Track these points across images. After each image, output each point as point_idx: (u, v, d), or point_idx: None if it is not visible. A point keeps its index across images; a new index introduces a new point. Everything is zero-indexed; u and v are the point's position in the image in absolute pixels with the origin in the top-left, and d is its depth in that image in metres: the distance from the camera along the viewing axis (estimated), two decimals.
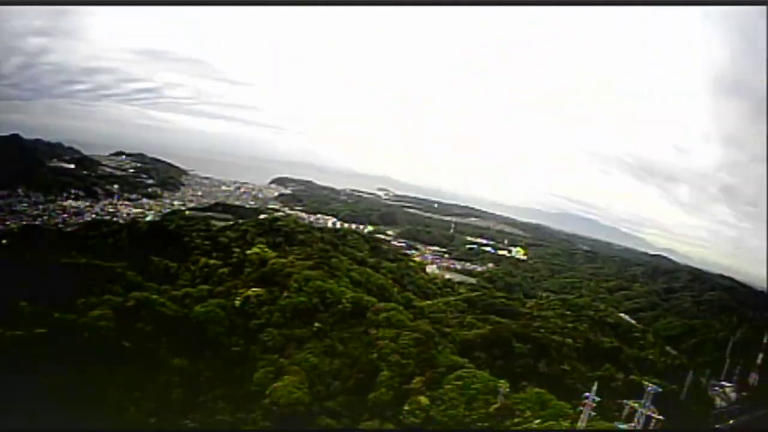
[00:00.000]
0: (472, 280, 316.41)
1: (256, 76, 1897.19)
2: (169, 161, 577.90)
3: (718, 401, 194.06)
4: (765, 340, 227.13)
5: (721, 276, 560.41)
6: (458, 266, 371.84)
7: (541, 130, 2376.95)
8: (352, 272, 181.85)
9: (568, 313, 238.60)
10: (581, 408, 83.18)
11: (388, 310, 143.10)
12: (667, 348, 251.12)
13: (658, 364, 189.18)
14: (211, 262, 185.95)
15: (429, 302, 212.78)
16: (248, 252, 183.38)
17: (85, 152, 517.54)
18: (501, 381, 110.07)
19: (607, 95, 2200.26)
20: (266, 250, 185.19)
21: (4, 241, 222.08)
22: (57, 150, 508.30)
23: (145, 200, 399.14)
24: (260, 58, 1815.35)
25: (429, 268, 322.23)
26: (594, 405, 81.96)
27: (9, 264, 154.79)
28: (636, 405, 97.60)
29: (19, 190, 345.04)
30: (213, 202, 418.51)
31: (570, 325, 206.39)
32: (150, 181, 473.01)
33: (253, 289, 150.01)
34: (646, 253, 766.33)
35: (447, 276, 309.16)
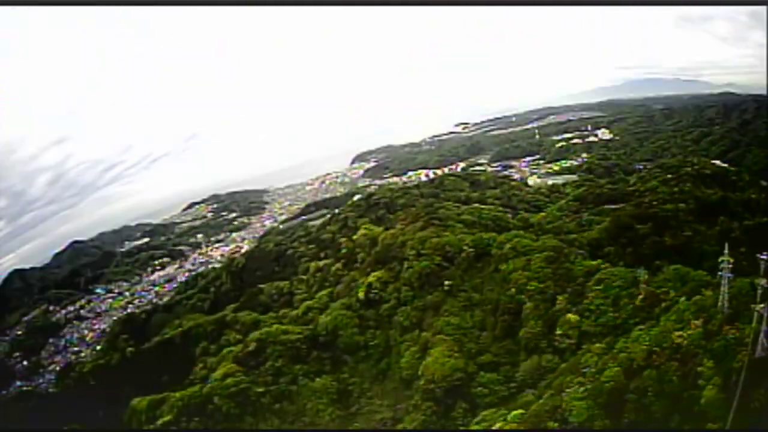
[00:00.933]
0: (574, 177, 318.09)
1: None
2: (243, 189, 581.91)
3: None
4: None
5: None
6: (556, 168, 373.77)
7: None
8: (462, 215, 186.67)
9: (669, 176, 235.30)
10: (720, 273, 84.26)
11: (510, 239, 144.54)
12: (762, 182, 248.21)
13: (761, 203, 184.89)
14: (322, 263, 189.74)
15: (543, 214, 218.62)
16: (355, 237, 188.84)
17: (156, 221, 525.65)
18: (638, 270, 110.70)
19: None
20: (372, 228, 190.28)
21: (98, 347, 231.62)
22: (125, 233, 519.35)
23: (234, 234, 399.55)
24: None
25: (531, 181, 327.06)
26: (730, 267, 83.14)
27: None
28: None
29: (98, 290, 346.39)
30: (304, 205, 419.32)
31: (676, 189, 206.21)
32: (233, 215, 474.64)
33: (373, 274, 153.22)
34: (712, 94, 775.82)
35: (549, 182, 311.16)
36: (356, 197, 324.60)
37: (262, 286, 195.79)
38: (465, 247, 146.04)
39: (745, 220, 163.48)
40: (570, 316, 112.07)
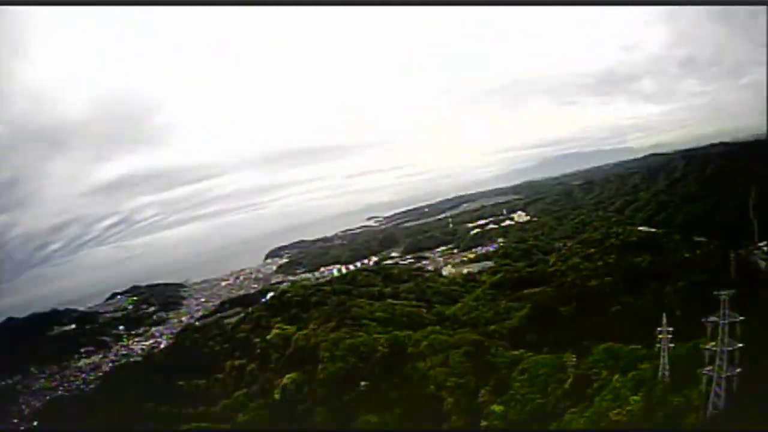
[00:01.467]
0: (490, 263, 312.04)
1: (215, 167, 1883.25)
2: (162, 282, 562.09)
3: (762, 265, 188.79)
4: None
5: (712, 145, 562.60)
6: (471, 256, 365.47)
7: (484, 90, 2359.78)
8: (376, 312, 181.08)
9: (592, 251, 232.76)
10: (658, 345, 79.46)
11: (426, 336, 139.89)
12: (696, 238, 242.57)
13: (695, 258, 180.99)
14: (237, 362, 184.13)
15: (459, 305, 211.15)
16: (268, 337, 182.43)
17: (82, 308, 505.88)
18: (565, 355, 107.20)
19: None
20: (285, 327, 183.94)
21: (35, 423, 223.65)
22: (54, 317, 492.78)
23: (154, 329, 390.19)
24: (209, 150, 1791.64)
25: (445, 271, 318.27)
26: (669, 335, 78.38)
27: None
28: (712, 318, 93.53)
29: (32, 369, 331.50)
30: (219, 302, 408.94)
31: (600, 263, 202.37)
32: (152, 309, 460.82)
33: (288, 375, 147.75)
34: (636, 159, 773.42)
35: (464, 271, 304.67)
36: (269, 295, 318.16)
37: (180, 383, 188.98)
38: (380, 347, 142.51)
39: (680, 281, 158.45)
40: (495, 407, 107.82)
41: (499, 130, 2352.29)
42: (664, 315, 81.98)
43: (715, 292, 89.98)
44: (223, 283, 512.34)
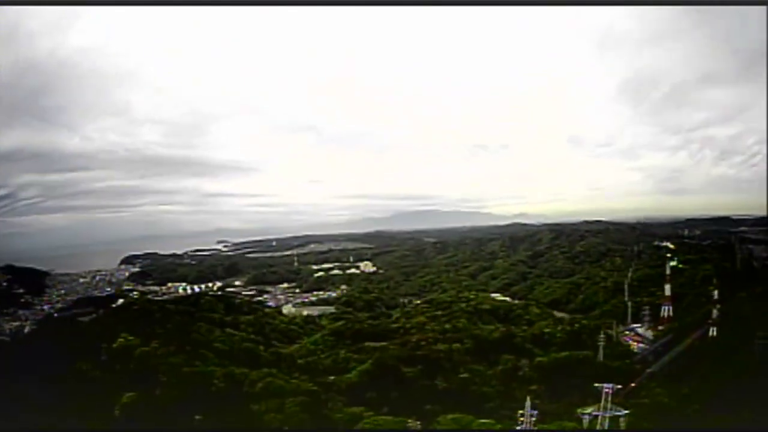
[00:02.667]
0: (331, 309, 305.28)
1: (91, 159, 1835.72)
2: (34, 266, 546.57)
3: (634, 346, 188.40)
4: (667, 272, 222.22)
5: (586, 222, 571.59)
6: (313, 298, 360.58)
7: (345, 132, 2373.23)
8: (215, 342, 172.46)
9: (439, 312, 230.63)
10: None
11: (262, 377, 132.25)
12: (557, 313, 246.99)
13: (557, 335, 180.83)
14: (84, 367, 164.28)
15: (297, 346, 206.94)
16: (114, 345, 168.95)
17: None
18: (409, 420, 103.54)
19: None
20: (129, 338, 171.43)
21: None
22: None
23: (21, 311, 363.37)
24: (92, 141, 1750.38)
25: (285, 309, 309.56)
26: (533, 420, 71.27)
27: None
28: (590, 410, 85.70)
29: None
30: (76, 298, 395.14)
31: (447, 326, 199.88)
32: (21, 291, 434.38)
33: (128, 394, 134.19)
34: (497, 225, 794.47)
35: (305, 312, 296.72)
36: (120, 301, 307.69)
37: (33, 376, 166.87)
38: (216, 381, 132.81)
39: (538, 357, 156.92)
40: None
41: (360, 176, 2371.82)
42: (528, 399, 76.61)
43: (596, 384, 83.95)
44: (81, 280, 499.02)
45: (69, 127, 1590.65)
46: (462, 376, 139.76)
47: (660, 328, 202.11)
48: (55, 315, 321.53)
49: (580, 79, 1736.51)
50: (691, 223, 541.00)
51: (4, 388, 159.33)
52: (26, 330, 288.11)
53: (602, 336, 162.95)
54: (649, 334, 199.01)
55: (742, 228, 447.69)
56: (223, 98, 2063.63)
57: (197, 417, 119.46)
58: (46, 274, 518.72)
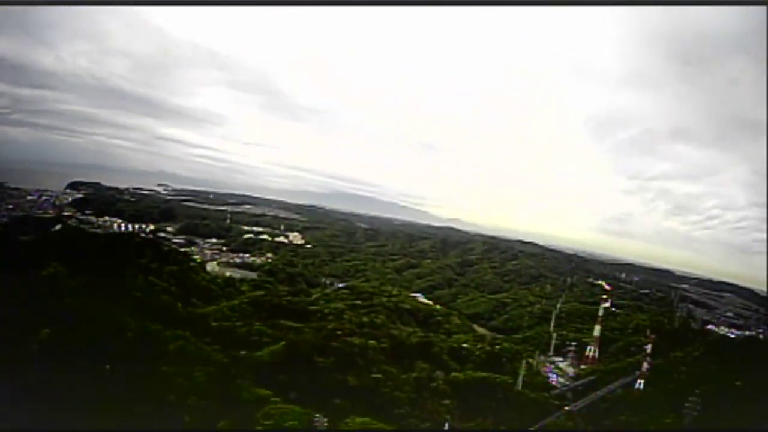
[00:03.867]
0: (253, 275, 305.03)
1: (61, 80, 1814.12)
2: None
3: (553, 380, 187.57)
4: (600, 313, 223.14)
5: (521, 242, 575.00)
6: (237, 260, 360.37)
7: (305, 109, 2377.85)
8: (135, 290, 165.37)
9: (359, 302, 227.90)
10: None
11: (175, 340, 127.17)
12: (477, 328, 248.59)
13: (476, 353, 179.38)
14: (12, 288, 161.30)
15: (214, 307, 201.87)
16: (44, 273, 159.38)
17: None
18: (317, 414, 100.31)
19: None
20: (59, 267, 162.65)
21: None
22: None
23: None
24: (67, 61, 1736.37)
25: (209, 266, 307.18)
26: None
27: None
28: None
29: None
30: (21, 214, 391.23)
31: (365, 319, 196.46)
32: None
33: (45, 330, 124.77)
34: (431, 226, 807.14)
35: (227, 273, 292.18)
36: (57, 226, 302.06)
37: None
38: (129, 333, 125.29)
39: (453, 372, 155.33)
40: None
41: (308, 148, 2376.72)
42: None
43: None
44: (29, 197, 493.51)
45: (46, 44, 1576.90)
46: (374, 376, 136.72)
47: (582, 367, 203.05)
48: None
49: (550, 99, 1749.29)
50: (630, 268, 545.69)
51: None
52: None
53: (523, 364, 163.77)
54: (571, 370, 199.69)
55: (684, 285, 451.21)
56: (196, 47, 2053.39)
57: (107, 366, 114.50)
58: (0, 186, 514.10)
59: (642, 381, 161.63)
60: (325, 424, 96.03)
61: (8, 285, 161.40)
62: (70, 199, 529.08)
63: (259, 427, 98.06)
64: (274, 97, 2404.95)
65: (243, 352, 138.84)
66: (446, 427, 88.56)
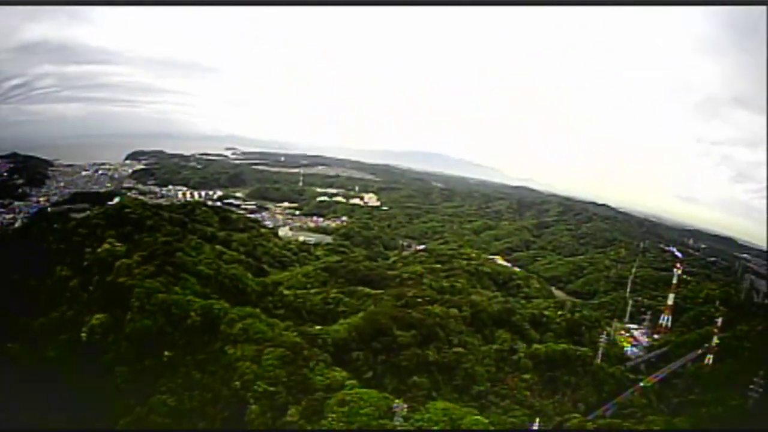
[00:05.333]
0: (329, 239, 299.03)
1: (113, 55, 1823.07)
2: (38, 156, 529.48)
3: (627, 347, 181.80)
4: (674, 281, 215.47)
5: (594, 204, 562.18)
6: (311, 224, 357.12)
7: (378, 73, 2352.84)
8: (200, 264, 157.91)
9: (438, 265, 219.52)
10: None
11: (243, 317, 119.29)
12: (555, 291, 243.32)
13: (556, 320, 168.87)
14: (63, 273, 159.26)
15: (287, 274, 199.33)
16: (99, 250, 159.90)
17: None
18: (396, 400, 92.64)
19: None
20: (116, 244, 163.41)
21: None
22: None
23: (16, 203, 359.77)
24: (117, 37, 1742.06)
25: (281, 231, 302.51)
26: None
27: None
28: None
29: None
30: (74, 191, 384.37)
31: (445, 283, 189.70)
32: (20, 182, 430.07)
33: (97, 316, 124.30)
34: (506, 185, 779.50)
35: (301, 238, 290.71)
36: (116, 200, 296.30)
37: (15, 276, 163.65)
38: (192, 314, 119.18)
39: (533, 341, 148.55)
40: None
41: (379, 107, 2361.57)
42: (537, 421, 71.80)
43: None
44: (83, 173, 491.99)
45: (90, 21, 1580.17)
46: (455, 350, 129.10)
47: (656, 336, 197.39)
48: (49, 209, 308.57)
49: (622, 68, 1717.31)
50: (697, 233, 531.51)
51: None
52: (17, 224, 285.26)
53: (603, 335, 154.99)
54: (645, 339, 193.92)
55: (745, 255, 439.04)
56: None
57: (167, 353, 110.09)
58: (49, 164, 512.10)
59: (711, 356, 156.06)
60: (405, 411, 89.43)
61: (60, 265, 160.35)
62: (130, 170, 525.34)
63: (333, 415, 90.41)
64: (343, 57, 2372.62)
65: (318, 328, 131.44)
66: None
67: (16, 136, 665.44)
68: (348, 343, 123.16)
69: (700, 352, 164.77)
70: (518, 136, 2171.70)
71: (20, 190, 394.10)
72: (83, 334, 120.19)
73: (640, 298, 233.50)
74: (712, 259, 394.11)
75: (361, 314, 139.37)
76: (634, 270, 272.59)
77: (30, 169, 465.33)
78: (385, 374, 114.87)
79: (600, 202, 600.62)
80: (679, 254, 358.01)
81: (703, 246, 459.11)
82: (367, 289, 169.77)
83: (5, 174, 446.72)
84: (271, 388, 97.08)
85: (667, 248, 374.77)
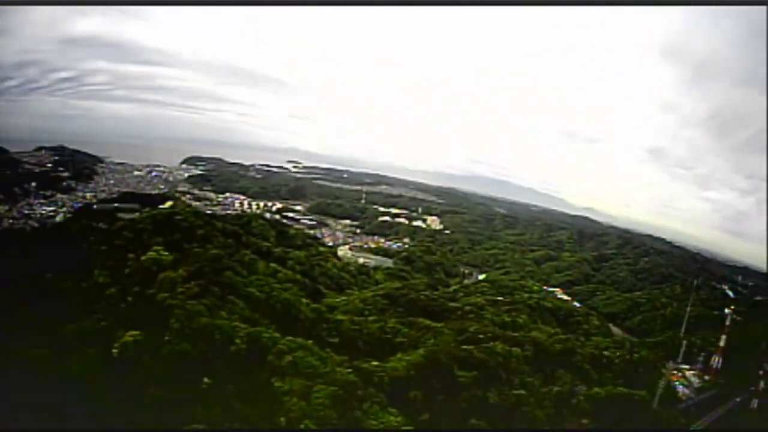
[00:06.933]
0: (389, 262, 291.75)
1: (172, 57, 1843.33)
2: (86, 151, 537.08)
3: (680, 390, 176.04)
4: (727, 322, 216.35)
5: (651, 237, 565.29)
6: (372, 244, 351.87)
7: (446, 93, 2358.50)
8: (251, 286, 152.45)
9: (500, 299, 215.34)
10: None
11: (294, 349, 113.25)
12: (613, 328, 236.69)
13: (615, 361, 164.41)
14: (102, 278, 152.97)
15: (344, 298, 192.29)
16: (143, 258, 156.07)
17: (13, 150, 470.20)
18: None
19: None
20: (162, 253, 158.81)
21: None
22: None
23: (60, 196, 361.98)
24: (177, 39, 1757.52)
25: (341, 251, 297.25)
26: None
27: None
28: None
29: None
30: (124, 190, 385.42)
31: (507, 318, 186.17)
32: (66, 174, 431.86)
33: (131, 332, 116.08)
34: (566, 214, 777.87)
35: (361, 260, 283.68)
36: (168, 203, 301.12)
37: (49, 275, 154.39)
38: (238, 341, 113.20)
39: (592, 383, 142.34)
40: None
41: (445, 130, 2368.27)
42: None
43: None
44: (136, 173, 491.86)
45: (148, 20, 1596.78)
46: (516, 392, 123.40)
47: (706, 378, 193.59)
48: (95, 206, 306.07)
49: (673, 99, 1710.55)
50: (746, 271, 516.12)
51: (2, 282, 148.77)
52: (58, 218, 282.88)
53: (662, 380, 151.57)
54: (695, 381, 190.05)
55: None
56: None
57: (206, 380, 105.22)
58: (99, 160, 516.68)
59: (756, 400, 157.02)
60: None
61: (99, 269, 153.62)
62: (185, 175, 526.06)
63: None
64: (411, 76, 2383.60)
65: (375, 363, 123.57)
66: None
67: (63, 130, 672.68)
68: (406, 382, 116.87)
69: (746, 396, 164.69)
70: (584, 165, 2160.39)
71: (65, 183, 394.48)
72: (115, 351, 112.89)
73: (693, 339, 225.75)
74: (758, 298, 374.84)
75: (421, 351, 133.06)
76: (688, 309, 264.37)
77: (77, 164, 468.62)
78: (441, 416, 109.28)
79: (656, 235, 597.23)
80: (730, 293, 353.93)
81: (750, 283, 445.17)
82: (428, 321, 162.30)
83: (49, 165, 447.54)
84: (319, 429, 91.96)
85: (717, 286, 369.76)
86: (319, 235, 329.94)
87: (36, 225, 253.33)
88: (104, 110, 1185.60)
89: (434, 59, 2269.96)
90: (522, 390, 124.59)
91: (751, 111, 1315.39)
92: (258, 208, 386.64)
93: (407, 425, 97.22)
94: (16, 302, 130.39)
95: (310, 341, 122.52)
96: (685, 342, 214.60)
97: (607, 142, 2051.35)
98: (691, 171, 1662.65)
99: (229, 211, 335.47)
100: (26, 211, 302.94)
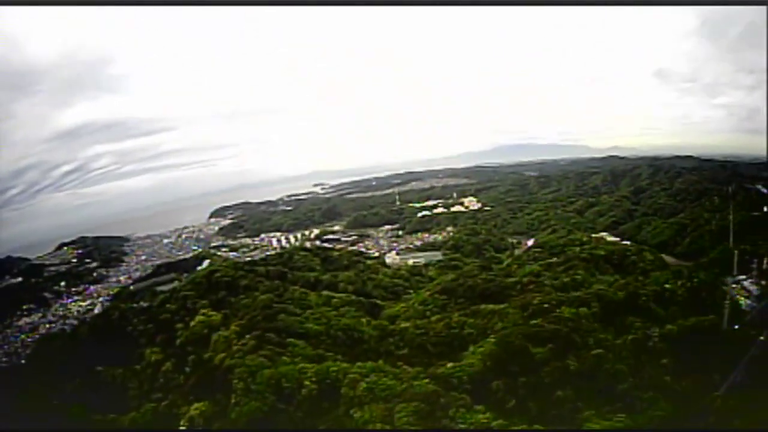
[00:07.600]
0: (439, 255, 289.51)
1: (170, 119, 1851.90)
2: (108, 235, 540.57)
3: (742, 302, 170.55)
4: None
5: (679, 158, 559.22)
6: (417, 242, 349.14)
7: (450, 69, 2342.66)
8: (307, 322, 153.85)
9: (554, 260, 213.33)
10: None
11: (366, 374, 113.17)
12: (666, 257, 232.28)
13: (678, 292, 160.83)
14: (154, 357, 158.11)
15: (402, 305, 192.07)
16: (192, 324, 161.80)
17: (33, 256, 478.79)
18: None
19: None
20: (210, 313, 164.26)
21: None
22: (6, 266, 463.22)
23: (92, 288, 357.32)
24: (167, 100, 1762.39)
25: (389, 259, 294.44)
26: None
27: None
28: None
29: None
30: (157, 263, 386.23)
31: (566, 279, 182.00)
32: (94, 265, 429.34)
33: (196, 405, 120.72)
34: (594, 158, 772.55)
35: (410, 261, 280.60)
36: (205, 263, 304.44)
37: (99, 368, 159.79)
38: (307, 383, 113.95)
39: (665, 322, 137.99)
40: None
41: (455, 110, 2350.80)
42: None
43: None
44: (165, 240, 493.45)
45: (134, 94, 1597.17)
46: (594, 352, 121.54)
47: (763, 282, 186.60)
48: (131, 287, 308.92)
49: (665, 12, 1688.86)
50: None
51: (54, 387, 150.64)
52: (96, 309, 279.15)
53: (727, 299, 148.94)
54: (754, 288, 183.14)
55: None
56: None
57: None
58: (124, 240, 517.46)
59: None
60: None
61: (149, 347, 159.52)
62: (216, 228, 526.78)
63: None
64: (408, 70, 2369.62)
65: (450, 365, 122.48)
66: None
67: (79, 221, 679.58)
68: (484, 374, 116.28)
69: None
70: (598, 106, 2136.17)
71: (95, 274, 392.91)
72: (182, 428, 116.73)
73: (743, 247, 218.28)
74: None
75: (491, 338, 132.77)
76: (730, 217, 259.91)
77: (102, 249, 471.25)
78: (527, 398, 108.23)
79: (683, 154, 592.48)
80: (765, 190, 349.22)
81: None
82: (490, 306, 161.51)
83: (74, 260, 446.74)
84: None
85: (751, 187, 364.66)
86: (363, 249, 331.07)
87: (75, 323, 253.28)
88: (116, 190, 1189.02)
89: (431, 41, 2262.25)
90: (599, 349, 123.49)
91: (737, 7, 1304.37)
92: (296, 239, 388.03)
93: (496, 419, 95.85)
94: (71, 404, 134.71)
95: (381, 361, 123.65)
96: (736, 252, 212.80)
97: (613, 77, 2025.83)
98: (697, 82, 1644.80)
99: (269, 252, 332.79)
100: (61, 313, 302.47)
